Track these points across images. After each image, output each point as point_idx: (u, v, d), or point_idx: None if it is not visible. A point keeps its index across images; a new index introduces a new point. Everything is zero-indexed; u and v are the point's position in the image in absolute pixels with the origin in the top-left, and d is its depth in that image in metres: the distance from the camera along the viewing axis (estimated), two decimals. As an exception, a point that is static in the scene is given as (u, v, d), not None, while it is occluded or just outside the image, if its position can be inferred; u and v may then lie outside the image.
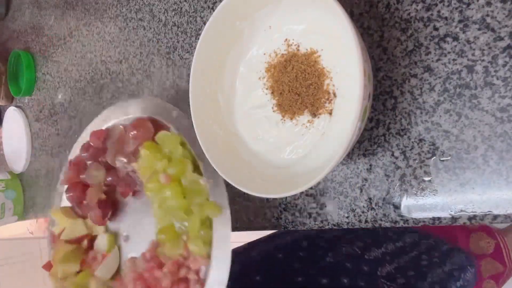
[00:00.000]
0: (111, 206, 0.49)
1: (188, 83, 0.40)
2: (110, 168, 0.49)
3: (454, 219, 0.34)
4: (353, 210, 0.40)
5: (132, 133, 0.45)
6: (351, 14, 0.39)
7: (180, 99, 0.56)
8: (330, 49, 0.37)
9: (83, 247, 0.49)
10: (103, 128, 0.51)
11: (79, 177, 0.50)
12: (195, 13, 0.54)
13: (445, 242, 0.57)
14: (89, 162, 0.50)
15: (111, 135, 0.49)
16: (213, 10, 0.52)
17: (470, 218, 0.34)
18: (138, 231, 0.48)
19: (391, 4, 0.37)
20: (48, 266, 0.49)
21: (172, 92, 0.57)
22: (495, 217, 0.33)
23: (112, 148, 0.47)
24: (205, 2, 0.53)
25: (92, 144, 0.49)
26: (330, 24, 0.36)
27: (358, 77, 0.30)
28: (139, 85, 0.62)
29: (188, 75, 0.54)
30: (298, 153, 0.39)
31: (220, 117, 0.42)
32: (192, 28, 0.55)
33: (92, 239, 0.51)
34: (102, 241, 0.49)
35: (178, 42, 0.56)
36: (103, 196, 0.48)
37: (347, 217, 0.40)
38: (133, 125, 0.45)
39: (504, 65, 0.32)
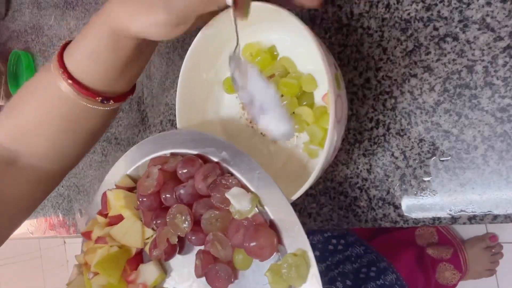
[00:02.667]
0: (177, 247, 0.38)
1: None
2: (200, 228, 0.35)
3: (454, 219, 0.34)
4: (353, 210, 0.40)
5: (251, 244, 0.31)
6: (351, 14, 0.39)
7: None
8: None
9: (129, 253, 0.40)
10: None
11: (161, 191, 0.38)
12: (195, 13, 0.54)
13: (384, 259, 0.62)
14: (181, 191, 0.36)
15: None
16: (213, 10, 0.52)
17: (470, 218, 0.34)
18: None
19: (391, 4, 0.37)
20: (87, 235, 0.42)
21: (172, 92, 0.57)
22: (495, 217, 0.33)
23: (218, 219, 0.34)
24: (205, 2, 0.53)
25: (196, 184, 0.35)
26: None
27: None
28: (139, 85, 0.62)
29: (188, 75, 0.54)
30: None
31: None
32: (192, 28, 0.55)
33: (142, 253, 0.41)
34: (149, 272, 0.39)
35: (178, 42, 0.56)
36: (176, 241, 0.37)
37: (347, 217, 0.40)
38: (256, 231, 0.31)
39: (504, 65, 0.32)
